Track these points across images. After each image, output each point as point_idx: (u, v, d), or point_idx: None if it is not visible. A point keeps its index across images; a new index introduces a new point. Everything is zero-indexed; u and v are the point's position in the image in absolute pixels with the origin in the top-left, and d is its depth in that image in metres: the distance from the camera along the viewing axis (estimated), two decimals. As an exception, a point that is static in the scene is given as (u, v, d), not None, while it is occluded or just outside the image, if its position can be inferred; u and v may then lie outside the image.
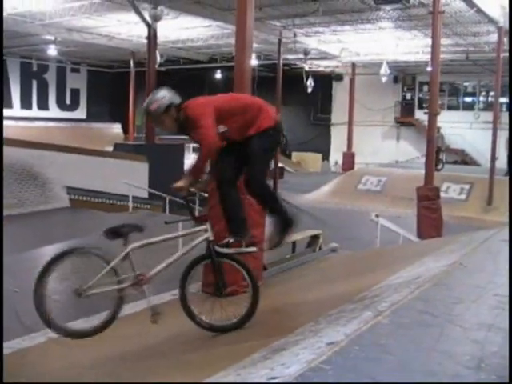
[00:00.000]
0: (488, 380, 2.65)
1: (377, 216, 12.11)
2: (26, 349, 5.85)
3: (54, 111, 39.20)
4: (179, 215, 12.74)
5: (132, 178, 15.08)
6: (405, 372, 2.81)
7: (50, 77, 39.22)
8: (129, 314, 6.47)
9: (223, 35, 27.06)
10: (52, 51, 32.65)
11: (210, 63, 34.75)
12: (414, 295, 4.25)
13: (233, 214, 5.17)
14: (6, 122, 29.94)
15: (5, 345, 5.82)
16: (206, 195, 7.22)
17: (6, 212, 14.14)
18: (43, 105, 38.74)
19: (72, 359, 5.46)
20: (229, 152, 5.08)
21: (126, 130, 36.23)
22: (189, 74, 35.80)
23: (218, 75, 37.62)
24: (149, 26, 21.83)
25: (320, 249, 10.27)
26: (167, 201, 14.37)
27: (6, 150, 15.39)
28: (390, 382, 2.67)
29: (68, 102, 40.37)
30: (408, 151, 35.38)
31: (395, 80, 37.24)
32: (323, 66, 35.55)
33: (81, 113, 41.06)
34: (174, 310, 5.47)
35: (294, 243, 9.87)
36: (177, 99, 5.06)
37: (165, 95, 5.04)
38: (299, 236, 10.19)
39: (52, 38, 29.90)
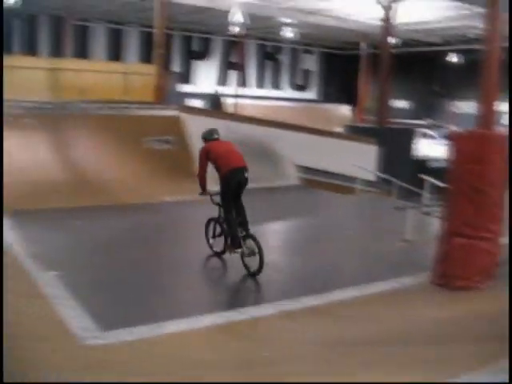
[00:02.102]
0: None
1: None
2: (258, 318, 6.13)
3: (286, 91, 40.55)
4: (407, 201, 12.55)
5: (360, 160, 15.05)
6: None
7: (284, 58, 40.56)
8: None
9: (460, 16, 25.82)
10: (287, 33, 33.69)
11: (443, 46, 33.47)
12: None
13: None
14: (243, 101, 31.64)
15: (242, 310, 6.19)
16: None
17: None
18: (276, 85, 40.24)
19: (300, 335, 5.63)
20: None
21: (355, 111, 36.33)
22: (419, 56, 34.81)
23: (452, 58, 35.92)
24: (385, 7, 21.60)
25: None
26: (395, 185, 14.16)
27: (244, 127, 16.26)
28: None
29: (300, 82, 41.47)
30: None
31: None
32: None
33: (312, 93, 42.01)
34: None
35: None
36: (208, 136, 8.27)
37: (203, 131, 8.39)
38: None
39: (288, 20, 30.82)
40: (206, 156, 7.95)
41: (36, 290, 6.42)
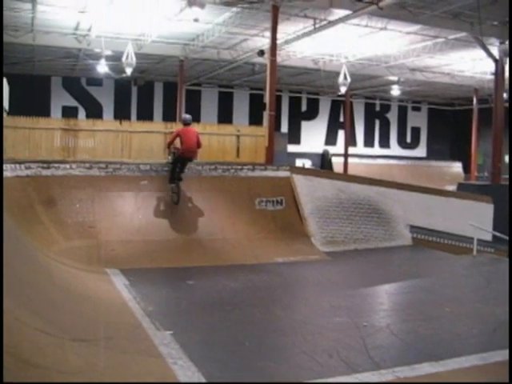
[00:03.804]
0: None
1: None
2: (375, 384, 5.90)
3: (394, 149, 40.14)
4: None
5: (476, 219, 14.51)
6: None
7: (392, 116, 40.34)
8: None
9: None
10: (395, 91, 33.65)
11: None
12: None
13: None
14: (351, 160, 31.58)
15: (359, 375, 5.98)
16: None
17: (352, 246, 14.78)
18: (385, 143, 39.96)
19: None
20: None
21: (466, 168, 35.39)
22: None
23: None
24: (496, 61, 21.11)
25: None
26: (514, 246, 13.49)
27: (355, 186, 16.16)
28: None
29: (408, 140, 40.97)
30: None
31: None
32: None
33: (421, 151, 41.30)
34: None
35: None
36: (185, 121, 14.17)
37: (183, 117, 14.77)
38: None
39: (395, 78, 30.82)
40: (178, 134, 13.82)
41: (153, 348, 6.53)
